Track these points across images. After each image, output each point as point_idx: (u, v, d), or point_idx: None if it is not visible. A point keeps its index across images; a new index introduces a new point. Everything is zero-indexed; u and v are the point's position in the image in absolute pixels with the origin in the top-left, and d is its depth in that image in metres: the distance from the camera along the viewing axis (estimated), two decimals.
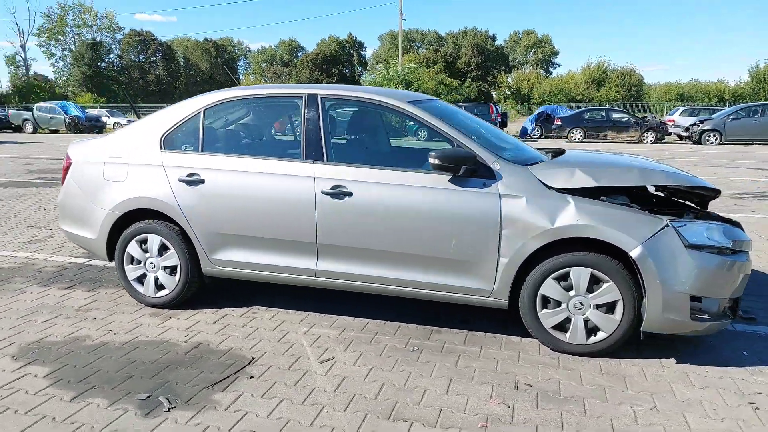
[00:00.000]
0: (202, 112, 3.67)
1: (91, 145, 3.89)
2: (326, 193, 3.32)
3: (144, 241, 3.70)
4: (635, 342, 3.17)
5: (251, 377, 2.84)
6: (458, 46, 65.53)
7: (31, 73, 57.77)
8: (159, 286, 3.73)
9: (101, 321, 3.53)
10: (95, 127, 26.88)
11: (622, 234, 2.93)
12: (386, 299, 3.84)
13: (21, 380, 2.78)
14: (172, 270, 3.68)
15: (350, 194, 3.29)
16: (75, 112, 27.29)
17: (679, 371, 2.98)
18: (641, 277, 2.93)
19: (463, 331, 3.45)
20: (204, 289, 3.98)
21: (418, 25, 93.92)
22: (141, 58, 63.57)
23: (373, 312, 3.71)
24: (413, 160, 3.96)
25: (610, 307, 3.05)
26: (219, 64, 66.56)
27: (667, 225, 2.93)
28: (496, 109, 24.57)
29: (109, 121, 28.88)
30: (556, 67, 75.62)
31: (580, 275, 3.04)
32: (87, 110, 29.77)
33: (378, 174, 3.29)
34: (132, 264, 3.77)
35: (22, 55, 56.89)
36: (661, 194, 3.75)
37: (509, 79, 64.58)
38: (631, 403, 2.64)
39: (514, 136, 25.75)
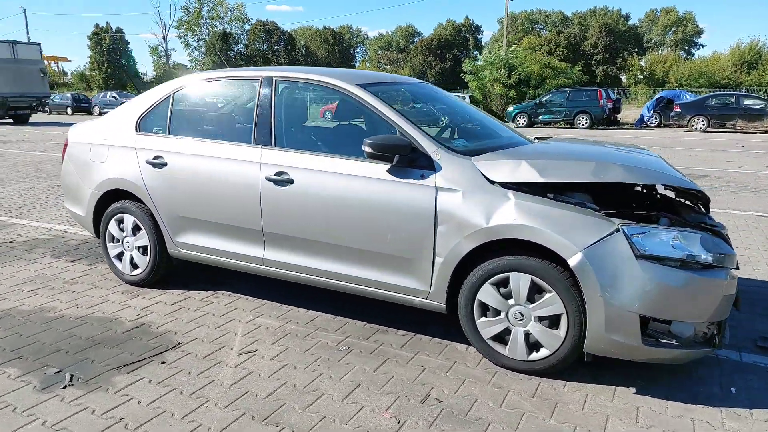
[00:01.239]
0: (172, 96, 3.72)
1: (85, 126, 4.10)
2: (270, 180, 3.21)
3: (121, 221, 3.84)
4: (610, 363, 2.73)
5: (163, 362, 2.84)
6: (585, 27, 61.78)
7: (171, 62, 63.48)
8: (134, 265, 3.87)
9: (76, 294, 3.73)
10: None
11: (561, 238, 2.52)
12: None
13: None
14: (144, 250, 3.80)
15: (292, 182, 3.16)
16: None
17: (630, 404, 2.52)
18: (581, 289, 2.51)
19: (410, 334, 3.20)
20: (186, 270, 4.08)
21: (542, 5, 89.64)
22: (265, 47, 67.23)
23: (333, 305, 3.56)
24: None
25: (553, 321, 2.65)
26: (336, 52, 68.56)
27: (617, 230, 2.47)
28: (607, 95, 22.74)
29: None
30: (698, 48, 68.69)
31: (519, 282, 2.67)
32: None
33: (320, 161, 3.12)
34: (113, 242, 3.94)
35: (164, 46, 62.63)
36: (673, 195, 3.19)
37: (642, 62, 59.67)
38: None
39: (630, 124, 24.06)
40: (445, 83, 55.70)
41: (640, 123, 23.23)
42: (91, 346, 2.99)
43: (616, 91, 30.45)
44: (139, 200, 3.74)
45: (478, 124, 3.89)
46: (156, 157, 3.61)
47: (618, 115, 24.46)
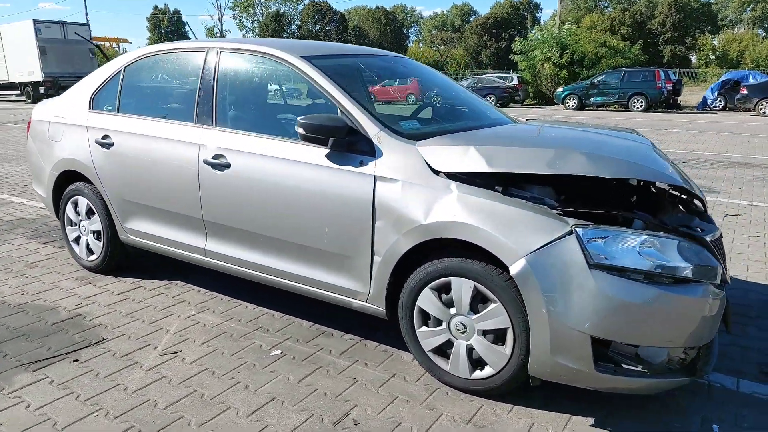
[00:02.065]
0: (123, 71, 3.47)
1: (45, 104, 3.93)
2: (207, 163, 2.92)
3: (77, 204, 3.66)
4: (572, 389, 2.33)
5: (76, 360, 2.62)
6: (653, 4, 58.39)
7: None
8: (89, 250, 3.70)
9: (29, 279, 3.59)
10: None
11: (504, 240, 2.11)
12: None
13: None
14: (97, 235, 3.61)
15: (228, 166, 2.86)
16: None
17: None
18: (522, 301, 2.10)
19: (356, 339, 2.86)
20: (149, 256, 3.87)
21: None
22: (317, 27, 67.21)
23: (284, 303, 3.26)
24: None
25: (498, 336, 2.26)
26: (387, 32, 67.73)
27: (570, 233, 2.03)
28: (666, 75, 21.24)
29: None
30: None
31: (461, 288, 2.28)
32: None
33: (257, 144, 2.80)
34: (71, 225, 3.77)
35: (219, 27, 63.68)
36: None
37: (714, 42, 55.81)
38: None
39: (691, 107, 22.44)
40: (499, 63, 53.97)
41: (703, 106, 21.63)
42: (13, 338, 2.82)
43: (677, 71, 28.52)
44: (91, 182, 3.54)
45: (460, 103, 3.46)
46: (104, 137, 3.38)
47: (678, 98, 22.88)
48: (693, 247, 2.06)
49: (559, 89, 22.77)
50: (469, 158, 2.28)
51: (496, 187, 2.25)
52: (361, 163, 2.49)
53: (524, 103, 25.41)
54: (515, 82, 24.39)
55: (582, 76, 24.75)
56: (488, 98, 23.35)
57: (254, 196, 2.78)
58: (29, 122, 3.96)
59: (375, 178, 2.44)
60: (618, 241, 2.02)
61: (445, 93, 3.56)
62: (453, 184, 2.29)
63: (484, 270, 2.20)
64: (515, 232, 2.10)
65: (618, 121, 16.12)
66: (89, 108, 3.56)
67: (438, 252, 2.36)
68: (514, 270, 2.08)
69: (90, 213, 3.60)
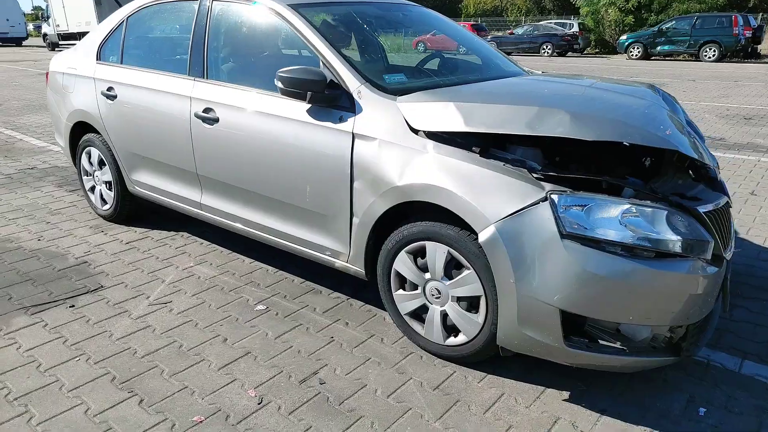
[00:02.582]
0: (126, 21, 3.46)
1: (62, 55, 3.99)
2: (198, 117, 2.90)
3: (90, 154, 3.75)
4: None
5: (72, 306, 2.73)
6: None
7: None
8: (103, 200, 3.80)
9: (48, 226, 3.75)
10: None
11: (475, 205, 1.99)
12: None
13: None
14: (109, 185, 3.70)
15: (217, 120, 2.82)
16: None
17: (549, 414, 2.02)
18: (492, 270, 1.99)
19: (342, 298, 2.84)
20: (161, 207, 3.95)
21: None
22: None
23: (280, 259, 3.27)
24: None
25: (472, 303, 2.17)
26: None
27: (544, 199, 1.89)
28: (744, 21, 19.46)
29: None
30: None
31: (435, 253, 2.20)
32: None
33: (244, 98, 2.74)
34: (86, 175, 3.88)
35: None
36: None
37: None
38: None
39: None
40: (564, 9, 51.04)
41: None
42: (20, 282, 2.96)
43: (760, 17, 26.05)
44: (100, 134, 3.60)
45: (472, 53, 3.27)
46: (109, 89, 3.41)
47: (758, 46, 21.04)
48: (683, 219, 1.87)
49: (623, 37, 21.36)
50: (446, 116, 2.14)
51: (474, 148, 2.10)
52: (341, 120, 2.40)
53: (584, 53, 24.09)
54: (575, 29, 23.03)
55: (650, 22, 23.09)
56: (544, 47, 22.24)
57: (241, 151, 2.74)
58: (47, 73, 4.05)
59: (354, 135, 2.35)
60: (597, 209, 1.86)
61: (464, 46, 3.35)
62: (430, 144, 2.16)
63: (458, 235, 2.09)
64: (487, 197, 1.97)
65: (685, 72, 15.04)
66: (96, 59, 3.58)
67: (416, 215, 2.26)
68: (482, 237, 1.96)
69: (101, 164, 3.68)
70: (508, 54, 23.33)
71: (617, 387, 2.17)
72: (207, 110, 2.85)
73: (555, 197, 1.88)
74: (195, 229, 3.72)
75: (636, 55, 20.68)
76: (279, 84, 2.40)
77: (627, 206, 1.86)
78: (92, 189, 3.87)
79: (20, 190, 4.52)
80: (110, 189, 3.70)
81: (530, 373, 2.25)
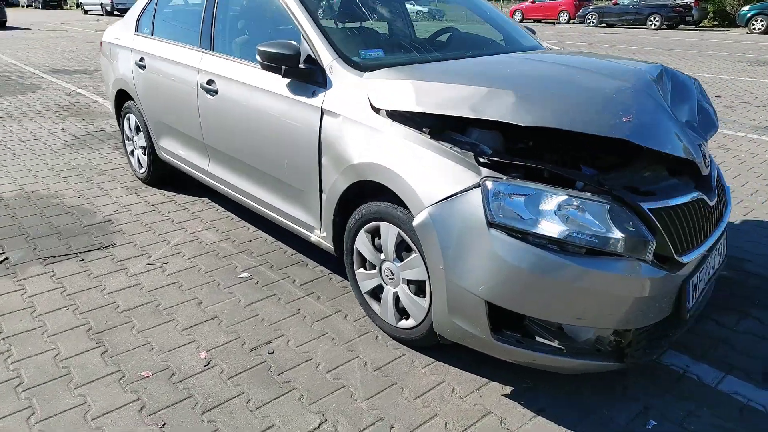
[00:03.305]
0: None
1: (113, 25, 4.27)
2: (203, 88, 3.02)
3: (129, 120, 4.02)
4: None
5: (81, 260, 2.99)
6: None
7: None
8: (140, 163, 4.08)
9: (91, 185, 4.09)
10: None
11: (414, 188, 1.93)
12: None
13: None
14: (144, 150, 3.96)
15: (217, 91, 2.92)
16: None
17: (481, 407, 1.96)
18: (424, 255, 1.94)
19: (325, 272, 2.88)
20: None
21: None
22: None
23: (281, 229, 3.35)
24: None
25: (419, 287, 2.13)
26: None
27: (477, 185, 1.80)
28: None
29: None
30: None
31: (388, 234, 2.17)
32: None
33: (238, 70, 2.81)
34: (128, 140, 4.17)
35: None
36: None
37: None
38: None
39: None
40: None
41: None
42: (49, 235, 3.28)
43: None
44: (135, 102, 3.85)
45: (490, 26, 3.13)
46: (140, 59, 3.62)
47: None
48: (624, 215, 1.71)
49: (745, 8, 19.21)
50: (402, 94, 2.07)
51: (423, 129, 2.03)
52: (313, 95, 2.40)
53: (699, 25, 21.95)
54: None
55: None
56: (652, 19, 20.55)
57: (235, 123, 2.83)
58: (101, 42, 4.36)
59: (322, 111, 2.35)
60: (532, 199, 1.74)
61: (482, 18, 3.21)
62: (387, 123, 2.12)
63: (406, 217, 2.05)
64: (426, 180, 1.91)
65: None
66: (134, 30, 3.80)
67: (377, 195, 2.24)
68: (416, 221, 1.91)
69: (137, 129, 3.94)
70: (611, 26, 21.75)
71: (566, 388, 2.05)
72: (209, 82, 2.96)
73: (487, 184, 1.78)
74: (215, 196, 3.90)
75: (759, 29, 18.56)
76: (258, 58, 2.44)
77: (564, 198, 1.73)
78: (132, 153, 4.16)
79: (82, 150, 4.95)
80: (144, 154, 3.95)
81: (480, 364, 2.18)
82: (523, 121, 1.79)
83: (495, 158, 1.85)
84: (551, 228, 1.70)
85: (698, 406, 1.97)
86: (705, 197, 1.93)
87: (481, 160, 1.85)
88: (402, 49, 2.77)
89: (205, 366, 2.17)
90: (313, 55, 2.43)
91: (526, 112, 1.81)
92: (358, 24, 2.86)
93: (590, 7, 22.88)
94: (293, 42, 2.42)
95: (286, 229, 2.83)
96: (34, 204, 3.73)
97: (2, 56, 11.63)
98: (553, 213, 1.72)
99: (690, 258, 1.82)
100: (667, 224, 1.76)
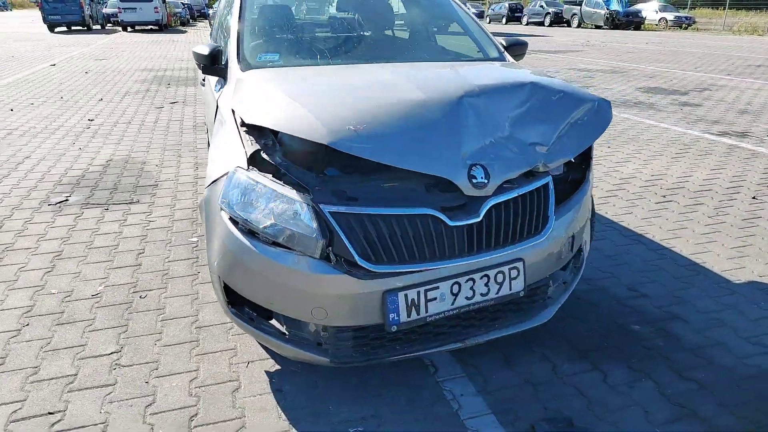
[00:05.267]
0: None
1: None
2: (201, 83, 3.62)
3: None
4: None
5: (106, 209, 3.84)
6: None
7: None
8: None
9: (177, 159, 5.05)
10: (632, 23, 25.96)
11: (209, 169, 2.23)
12: None
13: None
14: None
15: (204, 81, 3.50)
16: (615, 6, 26.22)
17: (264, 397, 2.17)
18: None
19: None
20: None
21: None
22: None
23: None
24: None
25: None
26: None
27: (226, 174, 2.03)
28: None
29: (655, 16, 27.24)
30: None
31: None
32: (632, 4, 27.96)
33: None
34: None
35: None
36: None
37: None
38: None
39: None
40: None
41: None
42: (107, 189, 4.24)
43: None
44: None
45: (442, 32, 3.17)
46: None
47: None
48: (306, 214, 1.77)
49: None
50: (234, 94, 2.36)
51: (240, 123, 2.28)
52: (219, 90, 2.79)
53: None
54: None
55: None
56: None
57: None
58: None
59: (217, 105, 2.72)
60: (251, 192, 1.90)
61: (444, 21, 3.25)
62: (231, 114, 2.39)
63: None
64: (215, 164, 2.17)
65: None
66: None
67: None
68: (199, 199, 2.19)
69: None
70: None
71: (303, 376, 2.12)
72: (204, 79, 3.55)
73: (232, 173, 1.98)
74: None
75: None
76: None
77: (268, 192, 1.86)
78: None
79: (201, 132, 6.05)
80: None
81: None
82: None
83: (254, 152, 2.03)
84: (255, 218, 1.85)
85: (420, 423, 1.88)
86: (442, 216, 1.82)
87: (248, 152, 2.05)
88: (310, 54, 2.96)
89: (92, 296, 2.74)
90: (225, 55, 2.82)
91: (293, 125, 1.92)
92: (292, 34, 3.11)
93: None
94: (212, 45, 2.84)
95: None
96: (123, 166, 4.81)
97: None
98: (261, 206, 1.86)
99: (388, 269, 1.77)
100: (355, 230, 1.76)
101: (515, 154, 2.01)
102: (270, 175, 1.93)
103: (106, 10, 26.07)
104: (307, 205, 1.79)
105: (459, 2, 3.37)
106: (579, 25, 28.41)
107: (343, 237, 1.75)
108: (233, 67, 2.67)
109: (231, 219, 1.92)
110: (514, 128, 2.09)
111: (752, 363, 2.25)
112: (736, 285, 2.87)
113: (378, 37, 3.24)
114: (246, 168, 1.96)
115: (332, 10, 3.55)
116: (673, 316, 2.58)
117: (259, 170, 1.96)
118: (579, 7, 28.22)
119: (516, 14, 33.20)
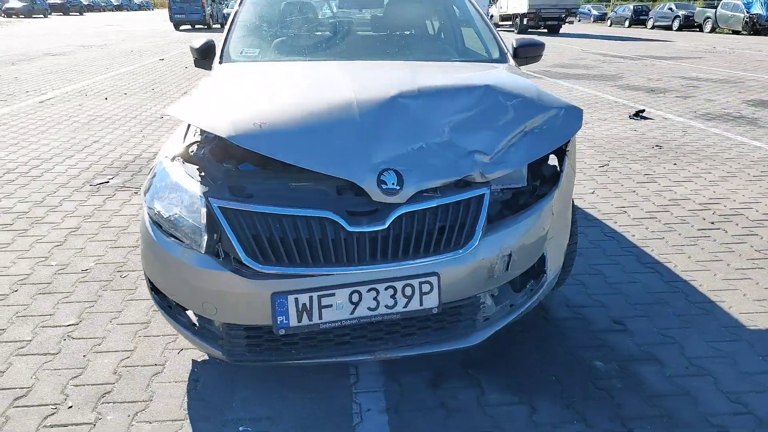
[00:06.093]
0: None
1: None
2: None
3: None
4: None
5: (135, 192, 4.11)
6: None
7: None
8: None
9: None
10: None
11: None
12: None
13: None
14: None
15: None
16: (757, 9, 23.43)
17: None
18: None
19: None
20: None
21: None
22: None
23: None
24: None
25: None
26: None
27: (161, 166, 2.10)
28: None
29: None
30: None
31: None
32: None
33: None
34: None
35: None
36: None
37: None
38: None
39: None
40: None
41: None
42: (137, 171, 4.54)
43: None
44: None
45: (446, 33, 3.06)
46: None
47: None
48: (191, 204, 1.79)
49: None
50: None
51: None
52: None
53: None
54: None
55: None
56: None
57: None
58: None
59: None
60: (164, 182, 1.95)
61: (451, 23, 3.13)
62: None
63: None
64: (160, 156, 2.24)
65: None
66: None
67: None
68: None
69: None
70: None
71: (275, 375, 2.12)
72: None
73: (162, 162, 2.04)
74: None
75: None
76: None
77: (171, 185, 1.90)
78: None
79: None
80: None
81: None
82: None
83: (189, 145, 2.08)
84: (157, 208, 1.90)
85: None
86: (340, 220, 1.74)
87: (183, 145, 2.10)
88: (294, 50, 2.94)
89: (82, 270, 2.95)
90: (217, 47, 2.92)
91: (184, 106, 1.97)
92: (284, 31, 3.13)
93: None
94: (207, 39, 2.95)
95: None
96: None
97: None
98: (164, 197, 1.91)
99: (276, 270, 1.72)
100: (244, 227, 1.73)
101: (446, 161, 1.87)
102: (194, 168, 1.96)
103: (227, 10, 27.94)
104: (201, 198, 1.79)
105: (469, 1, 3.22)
106: (712, 30, 25.81)
107: (229, 233, 1.74)
108: (215, 60, 2.75)
109: (147, 207, 1.98)
110: (453, 134, 1.95)
111: (716, 422, 1.93)
112: (746, 331, 2.48)
113: (375, 35, 3.18)
114: (171, 160, 2.01)
115: (333, 7, 3.54)
116: (650, 357, 2.28)
117: (186, 163, 2.00)
118: (713, 11, 25.46)
119: (641, 17, 30.90)
